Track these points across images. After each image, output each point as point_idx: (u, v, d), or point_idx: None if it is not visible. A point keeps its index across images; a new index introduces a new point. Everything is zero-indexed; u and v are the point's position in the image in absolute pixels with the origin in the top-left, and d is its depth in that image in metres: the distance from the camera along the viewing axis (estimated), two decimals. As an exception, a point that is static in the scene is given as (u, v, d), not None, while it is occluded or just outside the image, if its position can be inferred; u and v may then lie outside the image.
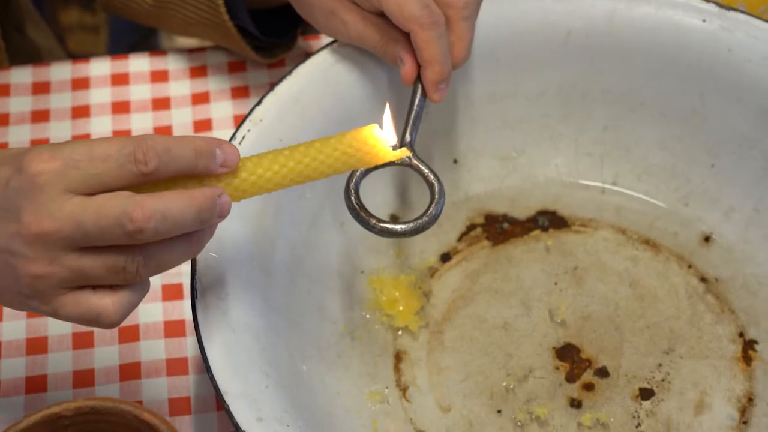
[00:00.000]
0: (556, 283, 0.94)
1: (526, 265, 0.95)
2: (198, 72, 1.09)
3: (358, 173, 0.81)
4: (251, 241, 0.83)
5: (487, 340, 0.91)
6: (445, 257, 0.96)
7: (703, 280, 0.94)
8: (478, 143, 0.98)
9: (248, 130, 0.86)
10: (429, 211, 0.80)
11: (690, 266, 0.95)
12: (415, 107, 0.86)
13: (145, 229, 0.65)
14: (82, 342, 0.92)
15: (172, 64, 1.10)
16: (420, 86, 0.86)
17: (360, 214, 0.80)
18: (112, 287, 0.68)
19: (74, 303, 0.67)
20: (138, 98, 1.08)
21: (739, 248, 0.95)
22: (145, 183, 0.66)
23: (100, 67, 1.10)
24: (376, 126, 0.72)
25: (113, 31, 2.23)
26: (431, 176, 0.82)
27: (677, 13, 0.94)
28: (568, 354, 0.90)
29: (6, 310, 0.93)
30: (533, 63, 0.96)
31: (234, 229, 0.82)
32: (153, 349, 0.91)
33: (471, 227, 0.97)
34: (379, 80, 0.92)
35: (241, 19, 1.00)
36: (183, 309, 0.94)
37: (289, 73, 0.90)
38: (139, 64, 1.11)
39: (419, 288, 0.93)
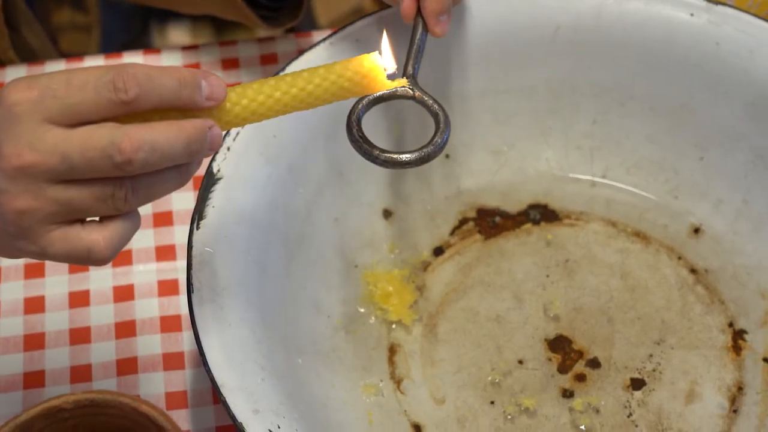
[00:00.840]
0: (547, 276, 0.95)
1: (518, 258, 0.96)
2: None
3: (360, 106, 0.79)
4: (246, 236, 0.83)
5: (480, 332, 0.92)
6: (438, 251, 0.97)
7: (693, 271, 0.95)
8: (470, 138, 0.99)
9: (242, 127, 0.87)
10: (434, 140, 0.78)
11: (680, 258, 0.96)
12: (416, 41, 0.85)
13: (134, 160, 0.63)
14: (79, 337, 0.93)
15: (166, 61, 1.11)
16: (420, 20, 0.86)
17: (363, 145, 0.77)
18: (101, 221, 0.66)
19: (63, 239, 0.65)
20: (132, 96, 1.09)
21: (728, 240, 0.96)
22: (127, 113, 0.64)
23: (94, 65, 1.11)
24: (375, 54, 0.70)
25: (105, 30, 2.23)
26: (435, 106, 0.80)
27: (665, 8, 0.95)
28: (560, 345, 0.91)
29: (3, 307, 0.94)
30: (523, 58, 0.97)
31: (229, 224, 0.83)
32: (150, 344, 0.92)
33: (463, 221, 0.98)
34: (371, 76, 0.93)
35: None
36: (179, 304, 0.95)
37: (282, 70, 0.91)
38: (132, 61, 1.11)
39: (413, 282, 0.94)
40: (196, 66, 1.10)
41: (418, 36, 0.85)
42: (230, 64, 1.10)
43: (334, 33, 0.93)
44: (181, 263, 0.97)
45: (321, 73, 0.69)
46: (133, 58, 1.11)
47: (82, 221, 0.66)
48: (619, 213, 0.99)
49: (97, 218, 0.66)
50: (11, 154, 0.63)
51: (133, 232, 0.68)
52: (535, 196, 1.00)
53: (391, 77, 0.72)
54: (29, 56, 1.25)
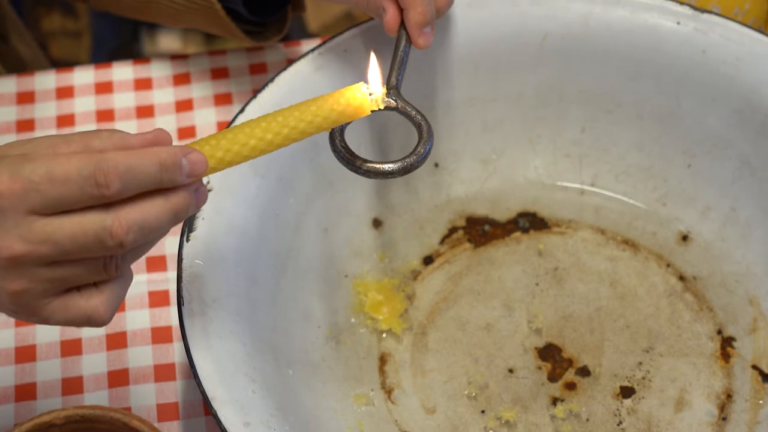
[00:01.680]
0: (537, 284, 0.95)
1: (507, 266, 0.97)
2: (181, 79, 1.10)
3: None
4: (236, 248, 0.84)
5: (470, 341, 0.92)
6: (428, 260, 0.97)
7: (682, 278, 0.95)
8: (459, 146, 1.00)
9: (231, 139, 0.87)
10: (417, 150, 0.78)
11: (669, 265, 0.96)
12: (399, 52, 0.85)
13: (125, 242, 0.65)
14: (70, 349, 0.93)
15: (156, 71, 1.11)
16: (404, 33, 0.86)
17: (345, 156, 0.77)
18: (96, 284, 0.68)
19: (63, 309, 0.67)
20: (122, 106, 1.09)
21: (716, 247, 0.96)
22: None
23: (83, 76, 1.11)
24: (359, 84, 0.71)
25: (96, 36, 2.24)
26: (418, 116, 0.80)
27: (652, 16, 0.95)
28: (549, 354, 0.91)
29: (-6, 319, 0.94)
30: (511, 66, 0.98)
31: (219, 236, 0.83)
32: (141, 356, 0.93)
33: (453, 230, 0.99)
34: (359, 86, 0.93)
35: (229, 0, 1.00)
36: (170, 315, 0.95)
37: (272, 80, 0.91)
38: (122, 72, 1.11)
39: (402, 291, 0.95)
40: (186, 76, 1.10)
41: (401, 48, 0.85)
42: (220, 73, 1.11)
43: (323, 44, 0.93)
44: (172, 274, 0.97)
45: (299, 113, 0.70)
46: (122, 68, 1.11)
47: (78, 287, 0.67)
48: (608, 221, 0.99)
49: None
50: (2, 247, 0.64)
51: (128, 287, 0.70)
52: (524, 204, 1.00)
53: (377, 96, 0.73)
54: (19, 65, 1.25)
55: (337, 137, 0.78)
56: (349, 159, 0.77)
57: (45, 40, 2.29)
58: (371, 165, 0.77)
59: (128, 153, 0.65)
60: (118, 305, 0.69)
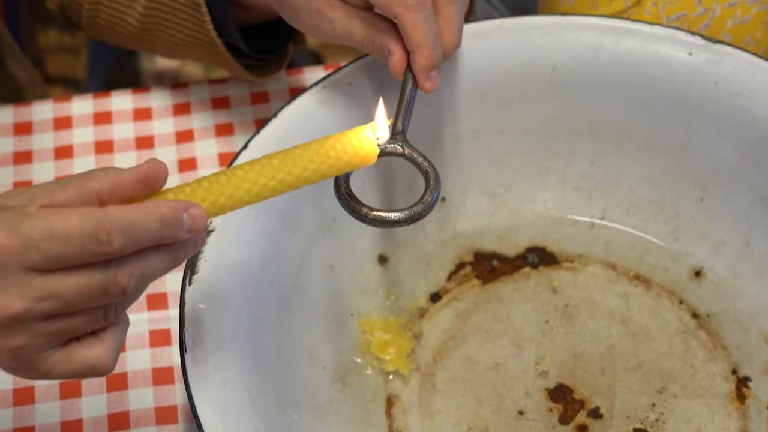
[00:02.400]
0: (547, 322, 0.93)
1: (516, 303, 0.94)
2: (181, 109, 1.08)
3: None
4: (239, 290, 0.82)
5: (479, 382, 0.90)
6: (435, 297, 0.95)
7: (695, 315, 0.93)
8: (466, 180, 0.98)
9: (234, 176, 0.85)
10: (424, 198, 0.76)
11: (681, 301, 0.94)
12: (406, 96, 0.83)
13: (128, 289, 0.64)
14: (69, 391, 0.91)
15: (155, 101, 1.09)
16: (410, 76, 0.84)
17: (351, 203, 0.76)
18: (96, 333, 0.67)
19: (65, 361, 0.66)
20: (121, 137, 1.07)
21: (730, 283, 0.94)
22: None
23: (82, 106, 1.09)
24: (366, 128, 0.70)
25: (93, 52, 2.22)
26: (425, 163, 0.78)
27: (663, 47, 0.93)
28: (560, 395, 0.89)
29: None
30: (519, 98, 0.96)
31: (222, 277, 0.81)
32: (142, 398, 0.90)
33: (460, 266, 0.97)
34: (364, 120, 0.90)
35: (230, 36, 0.99)
36: (171, 355, 0.93)
37: (275, 115, 0.89)
38: (121, 101, 1.09)
39: (409, 330, 0.93)
40: (186, 106, 1.08)
41: (407, 91, 0.83)
42: (221, 103, 1.08)
43: (327, 77, 0.91)
44: (174, 312, 0.95)
45: (305, 161, 0.68)
46: (121, 98, 1.09)
47: (78, 337, 0.66)
48: (618, 255, 0.97)
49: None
50: (1, 306, 0.62)
51: (126, 331, 0.68)
52: (533, 238, 0.98)
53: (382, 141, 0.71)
54: (15, 89, 1.23)
55: (342, 184, 0.76)
56: (354, 207, 0.75)
57: (41, 57, 2.28)
58: (377, 214, 0.75)
59: (129, 208, 0.63)
60: (120, 350, 0.68)
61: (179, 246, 0.66)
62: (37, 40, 2.28)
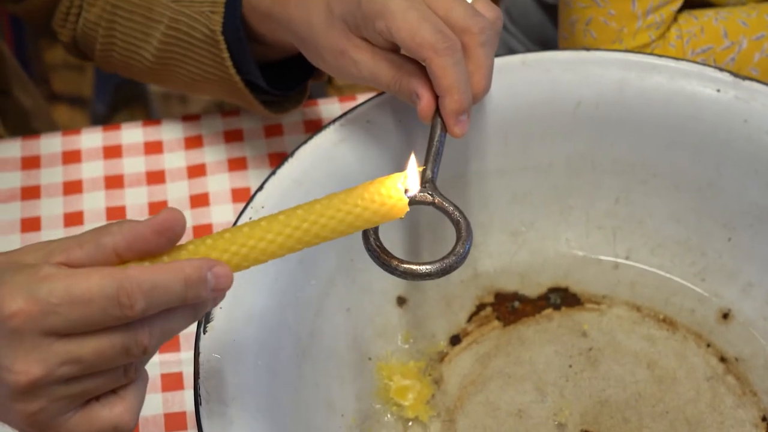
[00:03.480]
0: (570, 366, 0.91)
1: (539, 346, 0.92)
2: (193, 142, 1.06)
3: None
4: (255, 338, 0.79)
5: (501, 428, 0.87)
6: (455, 340, 0.92)
7: (723, 359, 0.91)
8: (486, 218, 0.95)
9: (250, 218, 0.83)
10: (456, 250, 0.74)
11: (709, 345, 0.92)
12: (435, 142, 0.81)
13: (149, 348, 0.62)
14: (79, 438, 0.88)
15: (166, 134, 1.07)
16: (439, 120, 0.81)
17: (381, 256, 0.74)
18: (115, 391, 0.64)
19: (86, 422, 0.63)
20: (132, 171, 1.04)
21: (759, 325, 0.92)
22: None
23: (91, 139, 1.07)
24: (394, 177, 0.67)
25: (99, 70, 2.19)
26: (456, 213, 0.76)
27: (690, 83, 0.91)
28: (585, 443, 0.87)
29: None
30: (542, 135, 0.93)
31: (237, 326, 0.78)
32: (153, 445, 0.88)
33: (481, 307, 0.94)
34: (384, 159, 0.89)
35: (249, 73, 0.96)
36: (184, 400, 0.91)
37: (291, 155, 0.86)
38: (131, 134, 1.07)
39: (429, 374, 0.90)
40: (198, 139, 1.06)
41: (436, 137, 0.80)
42: (233, 136, 1.06)
43: (344, 114, 0.89)
44: (186, 354, 0.93)
45: (332, 211, 0.66)
46: (132, 131, 1.06)
47: (97, 396, 0.64)
48: (643, 297, 0.94)
49: None
50: (20, 371, 0.60)
51: (146, 387, 0.66)
52: (555, 278, 0.96)
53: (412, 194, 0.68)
54: (22, 119, 1.20)
55: (371, 235, 0.74)
56: (384, 260, 0.74)
57: (47, 74, 2.26)
58: (408, 266, 0.73)
59: (152, 269, 0.61)
60: (141, 408, 0.66)
61: (202, 305, 0.64)
62: (43, 56, 2.26)
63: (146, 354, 0.63)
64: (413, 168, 0.70)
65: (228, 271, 0.64)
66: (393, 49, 0.82)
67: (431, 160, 0.80)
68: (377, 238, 0.74)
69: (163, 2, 0.98)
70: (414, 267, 0.73)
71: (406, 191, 0.67)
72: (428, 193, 0.77)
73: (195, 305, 0.64)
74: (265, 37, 0.93)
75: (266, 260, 0.66)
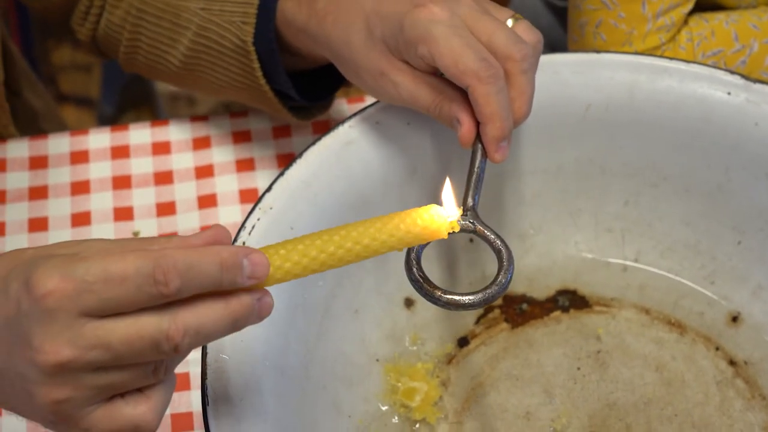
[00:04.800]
0: (578, 368, 0.90)
1: (547, 348, 0.92)
2: (201, 143, 1.06)
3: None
4: (263, 340, 0.79)
5: (508, 431, 0.87)
6: (463, 342, 0.92)
7: (732, 363, 0.90)
8: (495, 221, 0.95)
9: (258, 219, 0.83)
10: (498, 280, 0.74)
11: (718, 348, 0.91)
12: (476, 169, 0.81)
13: (180, 346, 0.61)
14: (85, 438, 0.88)
15: (174, 134, 1.07)
16: (480, 147, 0.81)
17: (424, 286, 0.74)
18: (141, 390, 0.63)
19: (108, 418, 0.62)
20: (139, 172, 1.04)
21: (768, 329, 0.91)
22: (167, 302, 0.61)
23: (99, 139, 1.07)
24: (435, 207, 0.67)
25: (106, 70, 2.20)
26: (498, 242, 0.76)
27: (701, 86, 0.90)
28: (594, 446, 0.86)
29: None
30: (551, 137, 0.93)
31: (245, 328, 0.78)
32: (160, 446, 0.88)
33: (489, 309, 0.94)
34: (393, 160, 0.89)
35: (280, 83, 0.96)
36: (190, 400, 0.90)
37: (300, 156, 0.86)
38: (139, 135, 1.07)
39: (437, 376, 0.90)
40: (206, 140, 1.05)
41: (477, 164, 0.80)
42: (241, 137, 1.06)
43: (353, 115, 0.88)
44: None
45: (374, 231, 0.66)
46: (139, 131, 1.06)
47: (122, 393, 0.63)
48: (652, 300, 0.94)
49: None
50: (49, 351, 0.59)
51: (173, 390, 0.65)
52: (564, 281, 0.95)
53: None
54: (31, 119, 1.20)
55: (414, 266, 0.74)
56: (427, 290, 0.74)
57: (54, 74, 2.26)
58: (451, 297, 0.73)
59: (187, 251, 0.60)
60: (165, 410, 0.65)
61: (239, 305, 0.63)
62: (50, 57, 2.26)
63: (177, 353, 0.61)
64: (449, 191, 0.71)
65: (265, 259, 0.63)
66: (433, 72, 0.82)
67: (472, 187, 0.80)
68: (420, 269, 0.74)
69: (191, 9, 0.98)
70: (457, 297, 0.73)
71: (448, 216, 0.68)
72: (470, 222, 0.77)
73: (234, 310, 0.62)
74: (299, 50, 0.93)
75: (304, 275, 0.66)
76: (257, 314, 0.64)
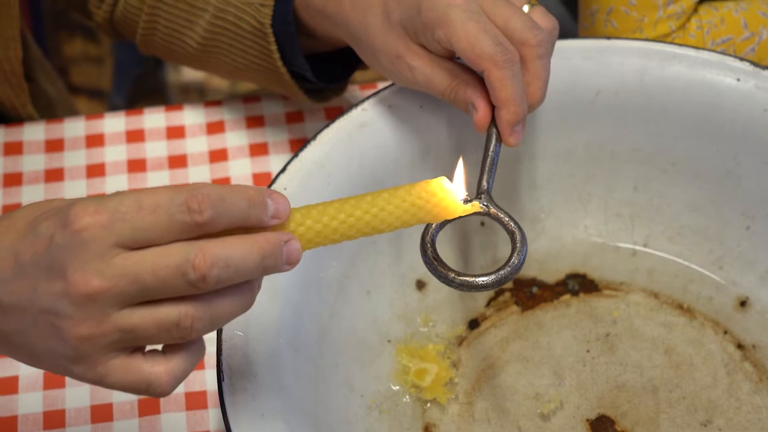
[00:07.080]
0: (588, 351, 0.91)
1: (556, 331, 0.93)
2: (214, 128, 1.07)
3: (433, 226, 0.76)
4: (278, 317, 0.80)
5: (518, 411, 0.88)
6: (474, 324, 0.93)
7: (740, 346, 0.91)
8: (506, 205, 0.95)
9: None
10: (511, 261, 0.75)
11: (726, 332, 0.92)
12: (490, 153, 0.82)
13: (208, 277, 0.60)
14: (101, 415, 0.89)
15: (188, 119, 1.08)
16: (494, 131, 0.82)
17: (438, 267, 0.75)
18: (164, 353, 0.64)
19: (123, 369, 0.62)
20: (154, 155, 1.05)
21: (776, 313, 0.92)
22: (198, 235, 0.61)
23: (114, 123, 1.08)
24: (444, 179, 0.67)
25: (118, 62, 2.21)
26: (512, 224, 0.77)
27: (710, 72, 0.91)
28: (602, 426, 0.87)
29: (21, 381, 0.91)
30: (561, 122, 0.94)
31: (260, 304, 0.79)
32: (174, 423, 0.89)
33: (499, 292, 0.95)
34: (405, 142, 0.90)
35: (297, 66, 0.97)
36: (204, 379, 0.91)
37: (314, 138, 0.87)
38: (154, 119, 1.08)
39: (448, 357, 0.91)
40: (220, 125, 1.07)
41: (491, 148, 0.82)
42: (255, 122, 1.07)
43: (366, 99, 0.90)
44: (208, 336, 0.93)
45: (385, 197, 0.66)
46: (154, 115, 1.07)
47: (144, 350, 0.63)
48: (661, 284, 0.95)
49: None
50: (79, 281, 0.60)
51: (196, 362, 0.65)
52: (574, 265, 0.96)
53: (464, 201, 0.69)
54: (46, 106, 1.21)
55: (428, 248, 0.76)
56: (442, 272, 0.75)
57: (66, 66, 2.27)
58: (464, 278, 0.74)
59: (218, 185, 0.62)
60: (182, 379, 0.65)
61: (266, 241, 0.62)
62: (62, 49, 2.27)
63: (205, 283, 0.60)
64: (460, 171, 0.71)
65: (286, 201, 0.64)
66: (449, 56, 0.83)
67: (487, 170, 0.81)
68: (434, 250, 0.75)
69: None
70: (470, 279, 0.74)
71: (465, 200, 0.68)
72: (484, 204, 0.78)
73: (259, 243, 0.62)
74: (315, 32, 0.94)
75: (335, 240, 0.67)
76: (285, 257, 0.64)
